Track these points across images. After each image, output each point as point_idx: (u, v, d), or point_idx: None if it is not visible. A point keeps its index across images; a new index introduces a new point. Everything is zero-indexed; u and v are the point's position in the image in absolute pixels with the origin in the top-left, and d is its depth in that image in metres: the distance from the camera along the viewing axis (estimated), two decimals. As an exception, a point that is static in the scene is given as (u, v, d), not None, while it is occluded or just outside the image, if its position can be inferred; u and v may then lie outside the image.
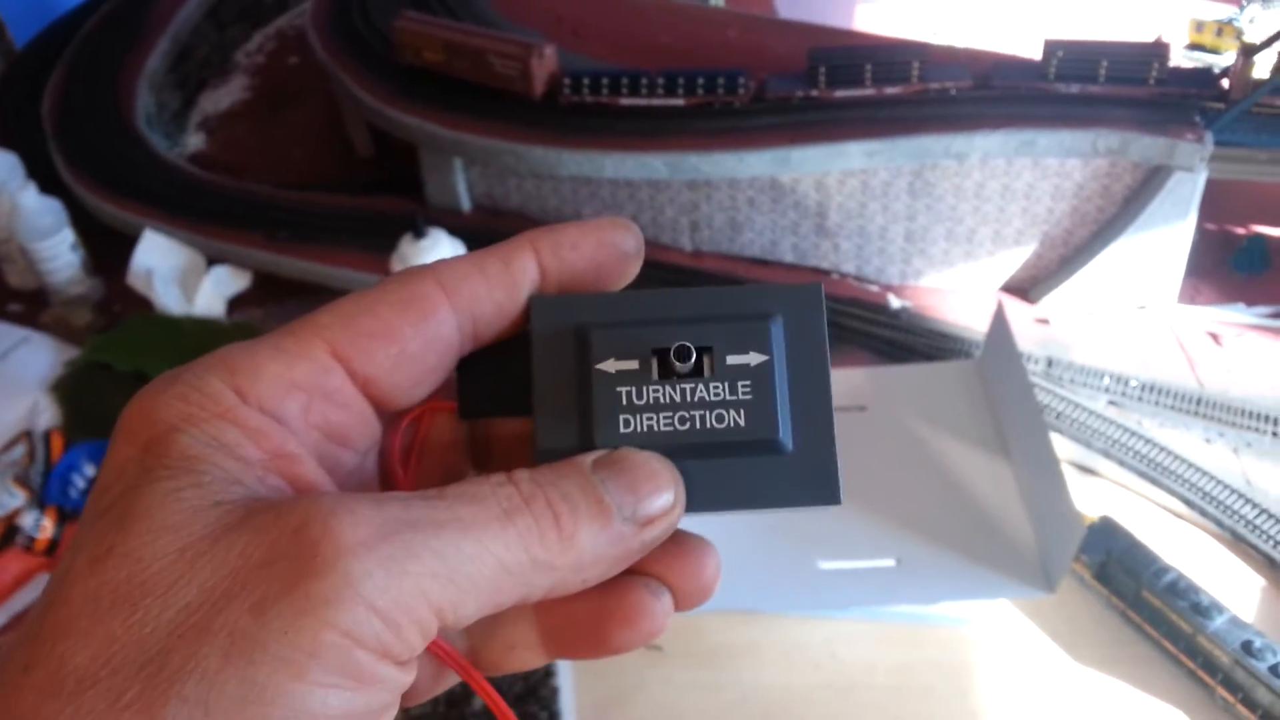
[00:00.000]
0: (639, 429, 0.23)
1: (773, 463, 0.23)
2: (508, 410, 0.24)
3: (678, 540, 0.24)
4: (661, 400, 0.23)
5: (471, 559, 0.20)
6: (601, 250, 0.24)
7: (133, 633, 0.18)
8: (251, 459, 0.21)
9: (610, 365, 0.23)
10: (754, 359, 0.23)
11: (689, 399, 0.23)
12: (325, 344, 0.22)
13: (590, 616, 0.24)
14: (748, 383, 0.23)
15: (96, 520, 0.20)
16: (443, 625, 0.20)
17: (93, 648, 0.18)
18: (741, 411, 0.23)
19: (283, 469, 0.21)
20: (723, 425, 0.23)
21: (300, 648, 0.18)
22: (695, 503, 0.23)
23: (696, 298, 0.24)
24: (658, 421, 0.23)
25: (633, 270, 0.25)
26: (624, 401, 0.23)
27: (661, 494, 0.22)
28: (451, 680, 0.25)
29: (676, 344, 0.23)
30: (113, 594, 0.18)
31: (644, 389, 0.23)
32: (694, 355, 0.23)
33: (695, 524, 0.25)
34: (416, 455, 0.26)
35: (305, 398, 0.22)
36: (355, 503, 0.20)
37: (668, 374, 0.23)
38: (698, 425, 0.23)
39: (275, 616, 0.18)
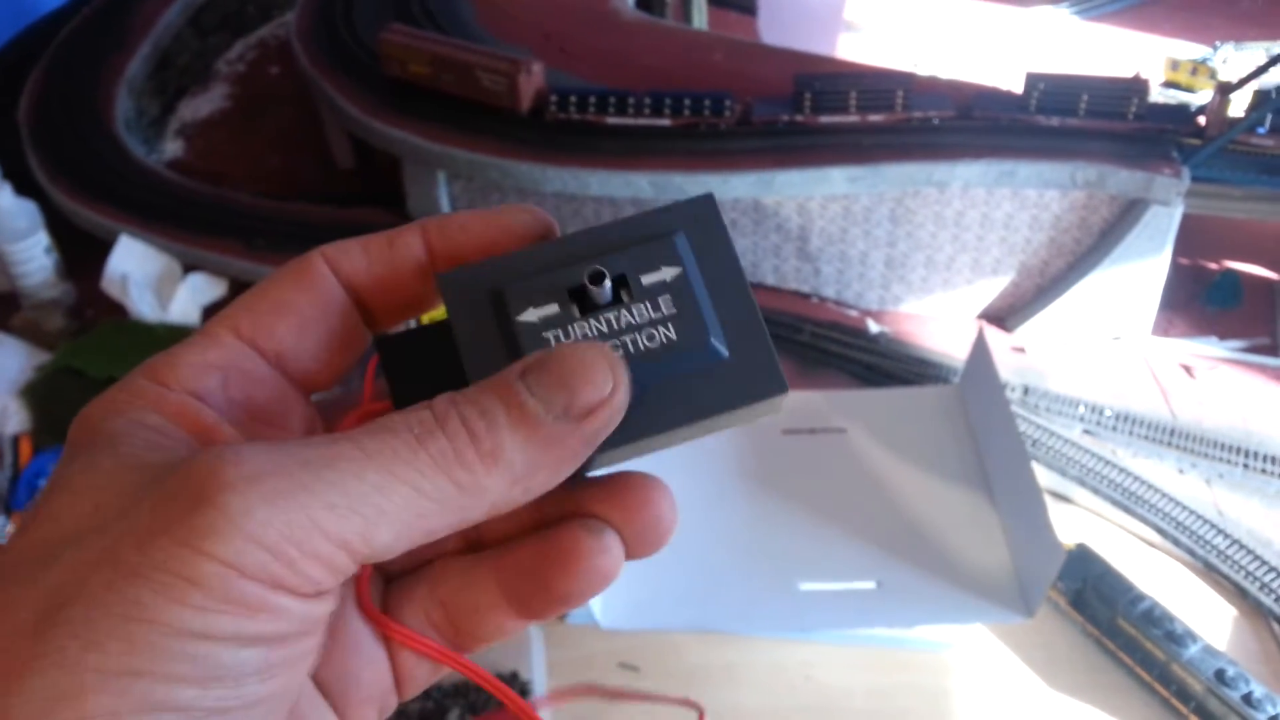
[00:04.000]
0: None
1: (713, 370, 0.23)
2: (444, 388, 0.24)
3: (620, 475, 0.23)
4: (589, 334, 0.23)
5: (378, 488, 0.20)
6: (491, 230, 0.25)
7: (39, 582, 0.19)
8: (174, 435, 0.22)
9: (531, 314, 0.23)
10: (668, 273, 0.23)
11: (616, 326, 0.23)
12: (230, 328, 0.24)
13: (535, 564, 0.23)
14: (668, 297, 0.23)
15: (29, 509, 0.21)
16: (359, 557, 0.20)
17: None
18: (670, 325, 0.23)
19: (205, 439, 0.22)
20: (655, 343, 0.23)
21: (179, 575, 0.18)
22: (649, 427, 0.23)
23: (596, 234, 0.24)
24: None
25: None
26: (553, 344, 0.23)
27: (596, 380, 0.21)
28: (445, 668, 0.25)
29: (589, 270, 0.23)
30: (20, 556, 0.20)
31: (570, 328, 0.23)
32: (607, 278, 0.23)
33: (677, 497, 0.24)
34: None
35: (221, 375, 0.23)
36: (249, 446, 0.20)
37: (589, 308, 0.23)
38: (631, 349, 0.23)
39: (156, 549, 0.18)
